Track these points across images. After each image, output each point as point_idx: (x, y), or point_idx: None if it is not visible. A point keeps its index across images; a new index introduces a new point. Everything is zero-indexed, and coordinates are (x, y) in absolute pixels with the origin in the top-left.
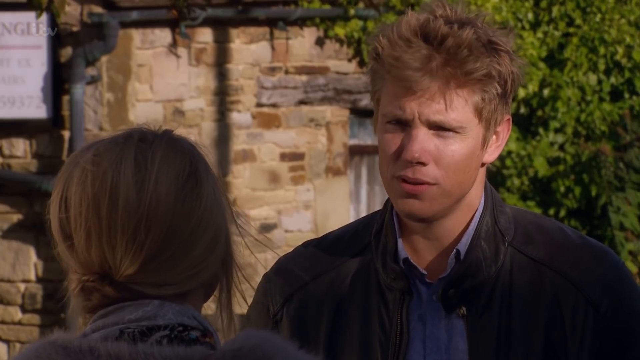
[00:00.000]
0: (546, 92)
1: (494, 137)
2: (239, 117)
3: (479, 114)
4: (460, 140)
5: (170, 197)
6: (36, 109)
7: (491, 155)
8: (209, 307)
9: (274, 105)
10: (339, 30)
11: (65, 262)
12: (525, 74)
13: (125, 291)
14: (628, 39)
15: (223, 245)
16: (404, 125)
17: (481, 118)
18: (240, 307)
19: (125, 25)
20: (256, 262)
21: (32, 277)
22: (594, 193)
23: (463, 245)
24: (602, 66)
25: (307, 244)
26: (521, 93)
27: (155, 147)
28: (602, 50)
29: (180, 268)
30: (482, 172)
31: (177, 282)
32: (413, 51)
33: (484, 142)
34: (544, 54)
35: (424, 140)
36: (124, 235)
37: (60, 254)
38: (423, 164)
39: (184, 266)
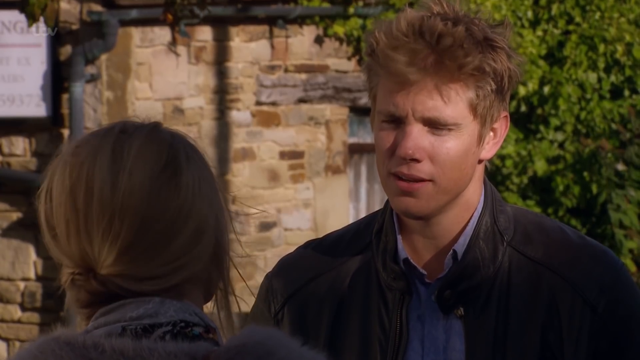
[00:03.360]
0: (546, 90)
1: (491, 133)
2: (239, 115)
3: (474, 110)
4: (455, 137)
5: (144, 187)
6: (36, 108)
7: (488, 152)
8: (208, 306)
9: (273, 104)
10: (339, 29)
11: (52, 253)
12: (524, 71)
13: (108, 286)
14: (628, 37)
15: (211, 237)
16: (399, 122)
17: (476, 114)
18: (239, 306)
19: (125, 23)
20: (256, 260)
21: (32, 275)
22: (594, 191)
23: (460, 246)
24: (601, 64)
25: (309, 244)
26: (521, 91)
27: (134, 138)
28: (601, 48)
29: (160, 260)
30: (480, 169)
31: (158, 276)
32: (406, 46)
33: (480, 139)
34: (543, 51)
35: (417, 137)
36: (99, 226)
37: (47, 245)
38: (417, 160)
39: (164, 258)
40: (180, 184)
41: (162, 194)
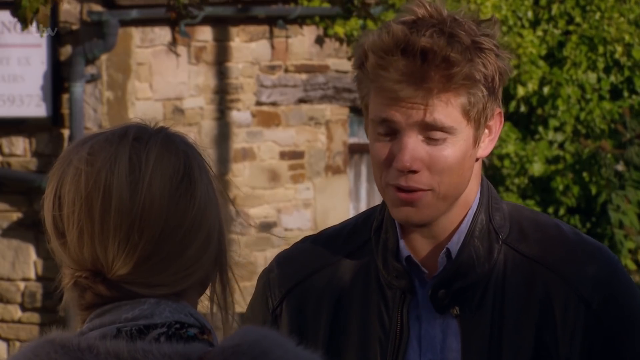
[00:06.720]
0: (546, 90)
1: (486, 131)
2: (239, 115)
3: (467, 115)
4: (451, 144)
5: (164, 199)
6: (36, 108)
7: (485, 150)
8: (206, 306)
9: (273, 104)
10: (339, 29)
11: (58, 258)
12: (524, 71)
13: (118, 290)
14: (627, 38)
15: (216, 244)
16: (394, 133)
17: (470, 119)
18: (240, 306)
19: (125, 23)
20: (256, 260)
21: (32, 275)
22: (593, 192)
23: (454, 244)
24: (601, 64)
25: (306, 239)
26: (521, 91)
27: (150, 147)
28: (601, 48)
29: (173, 269)
30: (477, 166)
31: (170, 283)
32: (394, 64)
33: (476, 141)
34: (543, 52)
35: (414, 149)
36: (116, 236)
37: (54, 250)
38: (415, 171)
39: (177, 267)
40: (195, 195)
41: (180, 206)
